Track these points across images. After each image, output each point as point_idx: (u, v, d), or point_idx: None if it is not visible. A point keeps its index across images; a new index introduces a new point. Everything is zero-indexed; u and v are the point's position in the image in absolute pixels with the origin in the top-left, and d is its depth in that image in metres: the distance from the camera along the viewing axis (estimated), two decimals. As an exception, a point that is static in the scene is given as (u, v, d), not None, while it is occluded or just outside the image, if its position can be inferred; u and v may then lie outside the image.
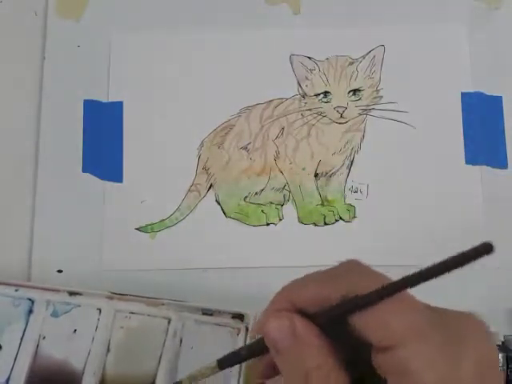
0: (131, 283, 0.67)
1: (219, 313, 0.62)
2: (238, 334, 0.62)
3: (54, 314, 0.63)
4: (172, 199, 0.73)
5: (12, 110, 0.77)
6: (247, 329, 0.61)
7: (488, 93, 0.74)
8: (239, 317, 0.62)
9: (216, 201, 0.73)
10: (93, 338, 0.62)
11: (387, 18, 0.77)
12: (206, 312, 0.63)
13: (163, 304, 0.63)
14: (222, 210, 0.72)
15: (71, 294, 0.64)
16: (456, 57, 0.75)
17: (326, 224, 0.71)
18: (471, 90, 0.74)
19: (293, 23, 0.77)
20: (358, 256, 0.71)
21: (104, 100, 0.76)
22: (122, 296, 0.63)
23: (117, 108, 0.76)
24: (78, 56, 0.77)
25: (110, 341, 0.62)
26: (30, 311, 0.63)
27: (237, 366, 0.59)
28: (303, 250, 0.71)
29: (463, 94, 0.74)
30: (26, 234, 0.72)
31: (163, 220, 0.72)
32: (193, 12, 0.78)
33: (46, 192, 0.73)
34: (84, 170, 0.74)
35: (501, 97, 0.74)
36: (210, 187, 0.73)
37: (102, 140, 0.75)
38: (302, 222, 0.72)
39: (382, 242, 0.71)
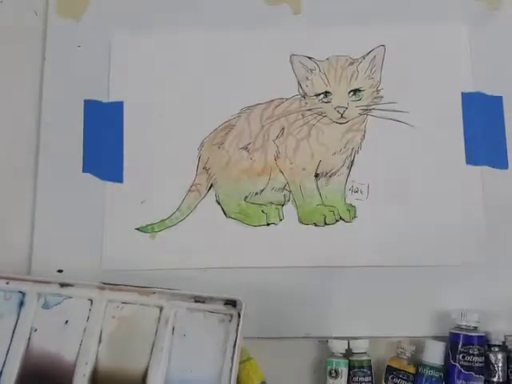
0: (131, 283, 0.67)
1: (211, 300, 0.63)
2: (230, 321, 0.62)
3: (46, 306, 0.63)
4: (172, 199, 0.73)
5: (12, 110, 0.77)
6: (239, 315, 0.61)
7: (488, 93, 0.74)
8: (232, 303, 0.62)
9: (216, 201, 0.73)
10: (85, 329, 0.62)
11: (387, 18, 0.77)
12: (198, 299, 0.63)
13: (155, 293, 0.63)
14: (223, 209, 0.72)
15: (62, 285, 0.64)
16: (456, 57, 0.75)
17: (326, 224, 0.71)
18: (471, 90, 0.74)
19: (293, 23, 0.77)
20: (358, 256, 0.72)
21: (104, 100, 0.76)
22: (113, 286, 0.64)
23: (117, 108, 0.76)
24: (78, 56, 0.77)
25: (101, 331, 0.62)
26: (22, 304, 0.63)
27: (228, 363, 0.59)
28: (303, 249, 0.71)
29: (463, 94, 0.74)
30: (26, 234, 0.72)
31: (163, 220, 0.72)
32: (193, 12, 0.78)
33: (46, 192, 0.73)
34: (84, 170, 0.74)
35: (501, 97, 0.74)
36: (210, 187, 0.73)
37: (102, 140, 0.75)
38: (303, 222, 0.72)
39: (382, 241, 0.71)
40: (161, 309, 0.62)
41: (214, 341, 0.61)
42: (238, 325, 0.61)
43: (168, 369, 0.60)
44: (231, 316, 0.62)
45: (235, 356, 0.59)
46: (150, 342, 0.61)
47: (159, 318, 0.62)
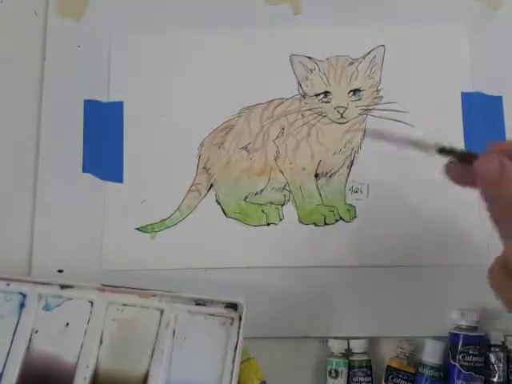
0: (131, 283, 0.67)
1: (212, 303, 0.62)
2: (231, 324, 0.62)
3: (46, 308, 0.63)
4: (172, 199, 0.73)
5: (12, 110, 0.77)
6: (240, 318, 0.61)
7: (488, 93, 0.74)
8: (232, 306, 0.62)
9: (216, 201, 0.73)
10: (85, 331, 0.62)
11: (387, 18, 0.77)
12: (199, 302, 0.63)
13: (155, 295, 0.63)
14: (223, 209, 0.72)
15: (63, 287, 0.64)
16: (456, 57, 0.75)
17: (326, 224, 0.71)
18: (471, 90, 0.74)
19: (293, 23, 0.77)
20: (358, 256, 0.72)
21: (104, 100, 0.76)
22: (113, 288, 0.63)
23: (117, 108, 0.76)
24: (78, 56, 0.77)
25: (102, 333, 0.62)
26: (22, 305, 0.63)
27: (229, 366, 0.59)
28: (303, 249, 0.71)
29: (463, 94, 0.74)
30: (26, 234, 0.72)
31: (163, 220, 0.72)
32: (193, 12, 0.78)
33: (46, 192, 0.73)
34: (84, 170, 0.74)
35: (501, 97, 0.74)
36: (210, 187, 0.73)
37: (102, 140, 0.75)
38: (303, 222, 0.72)
39: (382, 241, 0.71)
40: (161, 311, 0.62)
41: (215, 344, 0.61)
42: (239, 328, 0.61)
43: (169, 372, 0.60)
44: (232, 319, 0.62)
45: (236, 359, 0.59)
46: (150, 344, 0.61)
47: (160, 321, 0.62)
